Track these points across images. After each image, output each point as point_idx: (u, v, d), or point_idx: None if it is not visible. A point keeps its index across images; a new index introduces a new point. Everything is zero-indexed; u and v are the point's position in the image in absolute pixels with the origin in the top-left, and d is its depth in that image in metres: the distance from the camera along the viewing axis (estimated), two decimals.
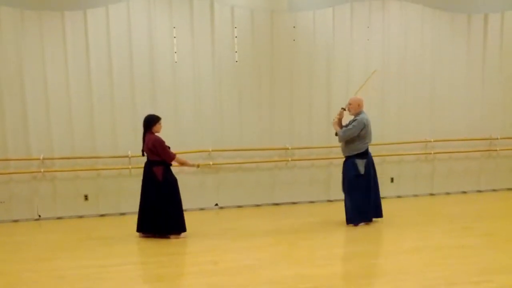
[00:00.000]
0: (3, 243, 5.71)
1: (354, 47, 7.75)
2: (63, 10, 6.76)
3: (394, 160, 8.05)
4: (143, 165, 6.91)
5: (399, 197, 8.11)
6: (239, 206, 7.62)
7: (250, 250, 5.13)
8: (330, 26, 7.64)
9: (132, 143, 6.98)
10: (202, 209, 7.40)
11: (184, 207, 5.77)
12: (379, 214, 6.17)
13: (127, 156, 7.04)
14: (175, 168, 5.84)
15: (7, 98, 6.71)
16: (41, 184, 6.94)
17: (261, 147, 7.52)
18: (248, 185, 7.60)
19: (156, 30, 7.04)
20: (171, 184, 5.66)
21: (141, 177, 6.99)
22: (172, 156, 5.62)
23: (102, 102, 6.98)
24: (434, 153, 8.14)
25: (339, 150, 6.29)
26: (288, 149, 7.62)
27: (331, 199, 7.77)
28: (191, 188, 7.10)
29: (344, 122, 6.18)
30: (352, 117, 6.09)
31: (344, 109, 6.15)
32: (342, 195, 6.26)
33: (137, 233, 5.78)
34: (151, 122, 5.67)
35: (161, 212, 5.56)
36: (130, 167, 7.04)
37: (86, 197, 7.11)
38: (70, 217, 7.05)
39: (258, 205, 7.68)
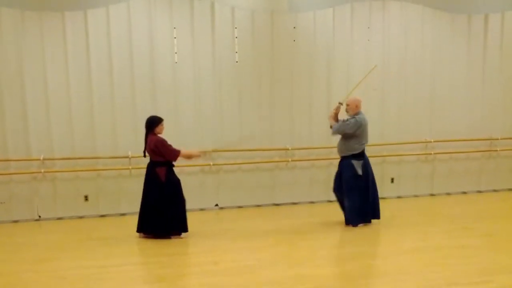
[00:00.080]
0: (3, 244, 5.71)
1: (354, 48, 7.75)
2: (63, 10, 6.76)
3: (394, 160, 8.06)
4: (143, 166, 6.92)
5: (399, 197, 8.10)
6: (239, 207, 7.62)
7: (250, 250, 5.13)
8: (330, 27, 7.64)
9: (133, 143, 6.98)
10: (202, 209, 7.40)
11: None
12: (376, 215, 6.16)
13: (127, 157, 7.04)
14: (175, 169, 5.83)
15: (8, 98, 6.72)
16: (41, 184, 6.95)
17: (261, 147, 7.52)
18: (248, 185, 7.60)
19: (157, 30, 7.05)
20: (174, 185, 5.66)
21: (141, 178, 6.98)
22: (176, 153, 5.60)
23: (103, 102, 6.99)
24: (435, 153, 8.13)
25: None
26: (288, 149, 7.62)
27: (332, 199, 7.71)
28: (191, 189, 7.09)
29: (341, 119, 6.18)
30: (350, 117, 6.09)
31: (341, 104, 6.15)
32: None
33: (137, 234, 5.78)
34: (153, 123, 5.67)
35: (163, 213, 5.56)
36: (130, 167, 7.04)
37: (86, 198, 7.11)
38: (70, 218, 7.05)
39: (258, 206, 7.68)
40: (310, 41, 7.57)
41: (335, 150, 6.39)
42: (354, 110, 6.01)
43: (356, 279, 4.20)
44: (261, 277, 4.21)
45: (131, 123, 7.04)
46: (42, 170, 6.85)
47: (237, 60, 7.38)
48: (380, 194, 7.92)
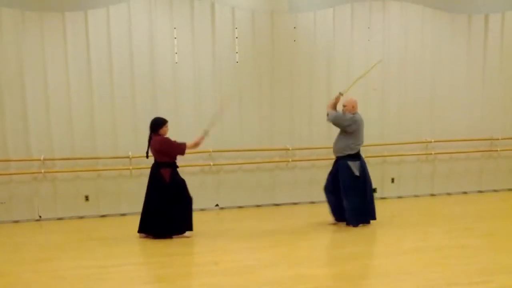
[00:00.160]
0: (3, 244, 5.72)
1: (354, 48, 7.75)
2: (63, 11, 6.77)
3: (394, 160, 8.06)
4: (143, 166, 6.94)
5: (399, 197, 8.10)
6: (240, 207, 7.62)
7: (250, 250, 5.13)
8: (331, 27, 7.64)
9: (133, 143, 6.99)
10: (202, 209, 7.39)
11: None
12: (373, 216, 6.16)
13: (127, 157, 7.04)
14: None
15: (8, 98, 6.72)
16: (41, 184, 6.95)
17: (261, 147, 7.53)
18: (248, 185, 7.61)
19: (157, 30, 7.05)
20: (179, 185, 5.68)
21: (142, 178, 7.01)
22: (183, 147, 5.61)
23: (103, 102, 6.99)
24: (435, 153, 8.13)
25: None
26: (288, 149, 7.62)
27: None
28: (191, 189, 7.00)
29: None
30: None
31: (342, 94, 6.13)
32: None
33: (138, 234, 5.77)
34: (158, 125, 5.68)
35: (167, 214, 5.57)
36: (130, 167, 7.05)
37: (86, 198, 7.11)
38: (71, 218, 7.06)
39: (258, 206, 7.69)
40: (310, 41, 7.58)
41: None
42: (351, 110, 6.02)
43: (356, 279, 4.20)
44: (261, 277, 4.21)
45: (131, 123, 7.05)
46: (43, 170, 6.85)
47: (237, 60, 7.39)
48: (380, 194, 8.04)
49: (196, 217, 6.65)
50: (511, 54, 8.25)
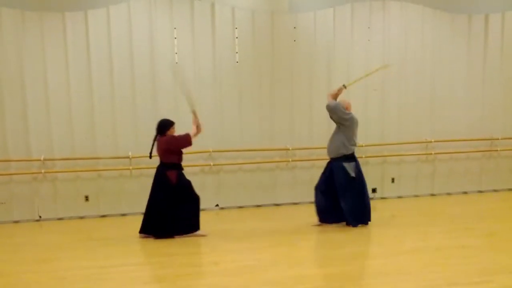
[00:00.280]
0: (3, 244, 5.72)
1: (354, 48, 7.76)
2: (63, 11, 6.77)
3: (394, 160, 8.06)
4: (144, 166, 6.96)
5: (399, 197, 8.11)
6: (240, 207, 7.62)
7: (250, 250, 5.13)
8: (331, 27, 7.64)
9: (133, 143, 7.00)
10: (202, 209, 7.31)
11: None
12: (369, 217, 6.14)
13: (127, 157, 7.04)
14: None
15: (8, 98, 6.72)
16: (41, 185, 6.95)
17: (261, 147, 7.53)
18: (248, 185, 7.61)
19: (157, 31, 7.05)
20: (185, 186, 5.70)
21: (142, 178, 7.03)
22: (188, 138, 5.61)
23: (103, 102, 6.99)
24: (435, 153, 8.13)
25: None
26: (288, 149, 7.62)
27: None
28: None
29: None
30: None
31: (345, 87, 6.11)
32: None
33: (139, 234, 5.77)
34: (166, 126, 5.69)
35: (175, 214, 5.58)
36: (131, 167, 7.05)
37: (86, 198, 7.11)
38: (71, 218, 7.06)
39: (258, 206, 7.69)
40: (310, 41, 7.58)
41: None
42: None
43: (356, 279, 4.20)
44: (261, 277, 4.21)
45: (131, 123, 7.05)
46: (43, 171, 6.85)
47: (237, 60, 7.39)
48: (380, 194, 8.05)
49: None
50: (511, 54, 8.25)
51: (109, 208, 7.16)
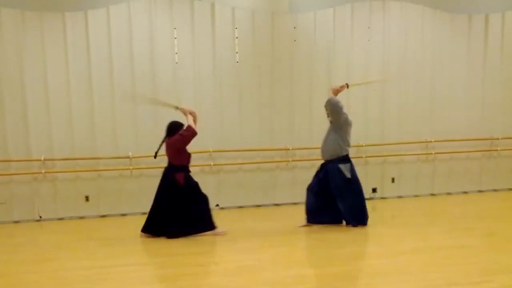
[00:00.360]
0: (3, 244, 5.72)
1: (354, 48, 7.76)
2: (63, 11, 6.78)
3: (394, 160, 8.06)
4: (144, 166, 6.97)
5: (399, 197, 8.11)
6: (240, 207, 7.63)
7: (250, 250, 5.12)
8: (331, 27, 7.64)
9: (133, 143, 7.00)
10: None
11: None
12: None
13: (128, 157, 7.05)
14: None
15: (8, 99, 6.73)
16: (42, 185, 6.96)
17: (261, 147, 7.53)
18: (248, 185, 7.61)
19: (157, 31, 7.05)
20: (193, 187, 5.71)
21: (141, 178, 7.04)
22: (190, 129, 5.56)
23: (103, 102, 7.00)
24: (435, 153, 8.14)
25: None
26: (288, 149, 7.62)
27: None
28: None
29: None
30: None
31: (347, 87, 6.08)
32: None
33: (140, 233, 5.76)
34: (177, 127, 5.69)
35: (184, 214, 5.59)
36: (131, 167, 7.05)
37: (87, 198, 7.12)
38: (71, 218, 7.06)
39: (258, 206, 7.69)
40: (310, 41, 7.58)
41: None
42: None
43: (356, 279, 4.20)
44: (261, 277, 4.20)
45: (131, 123, 7.05)
46: (43, 171, 6.86)
47: (237, 60, 7.39)
48: (380, 194, 8.06)
49: None
50: (511, 54, 8.25)
51: (109, 208, 7.17)
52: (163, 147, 5.73)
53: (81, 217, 7.09)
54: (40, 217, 7.01)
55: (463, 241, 5.24)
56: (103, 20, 6.89)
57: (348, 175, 5.90)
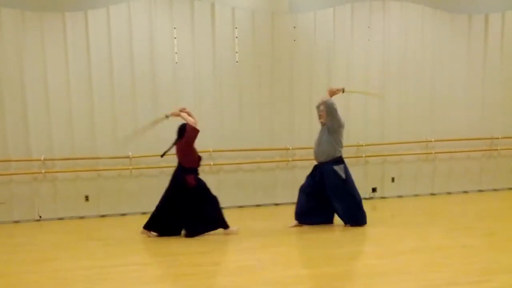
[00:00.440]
0: (3, 244, 5.72)
1: (354, 47, 7.76)
2: (63, 11, 6.78)
3: (394, 160, 8.06)
4: (143, 166, 6.97)
5: (400, 196, 8.11)
6: (240, 207, 7.62)
7: (250, 250, 5.12)
8: (331, 27, 7.64)
9: (133, 143, 6.99)
10: None
11: None
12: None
13: (127, 157, 7.05)
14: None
15: (8, 99, 6.73)
16: (41, 185, 6.96)
17: (261, 147, 7.53)
18: (248, 185, 7.61)
19: (157, 30, 7.05)
20: (203, 188, 5.75)
21: (141, 178, 7.04)
22: (191, 127, 5.57)
23: (103, 102, 7.00)
24: (435, 152, 8.14)
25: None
26: (288, 149, 7.62)
27: None
28: None
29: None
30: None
31: (343, 92, 6.06)
32: None
33: (141, 230, 5.76)
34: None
35: (195, 214, 5.64)
36: (130, 167, 7.05)
37: (86, 198, 7.11)
38: (71, 218, 7.06)
39: (258, 206, 7.69)
40: (310, 41, 7.58)
41: None
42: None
43: (356, 279, 4.20)
44: (261, 277, 4.21)
45: (131, 123, 7.05)
46: (43, 171, 6.86)
47: (237, 60, 7.39)
48: (380, 194, 8.06)
49: None
50: (511, 54, 8.25)
51: (109, 208, 7.17)
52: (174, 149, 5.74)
53: (81, 217, 7.09)
54: (40, 217, 7.01)
55: (463, 240, 5.24)
56: (103, 20, 6.89)
57: (343, 176, 5.90)
